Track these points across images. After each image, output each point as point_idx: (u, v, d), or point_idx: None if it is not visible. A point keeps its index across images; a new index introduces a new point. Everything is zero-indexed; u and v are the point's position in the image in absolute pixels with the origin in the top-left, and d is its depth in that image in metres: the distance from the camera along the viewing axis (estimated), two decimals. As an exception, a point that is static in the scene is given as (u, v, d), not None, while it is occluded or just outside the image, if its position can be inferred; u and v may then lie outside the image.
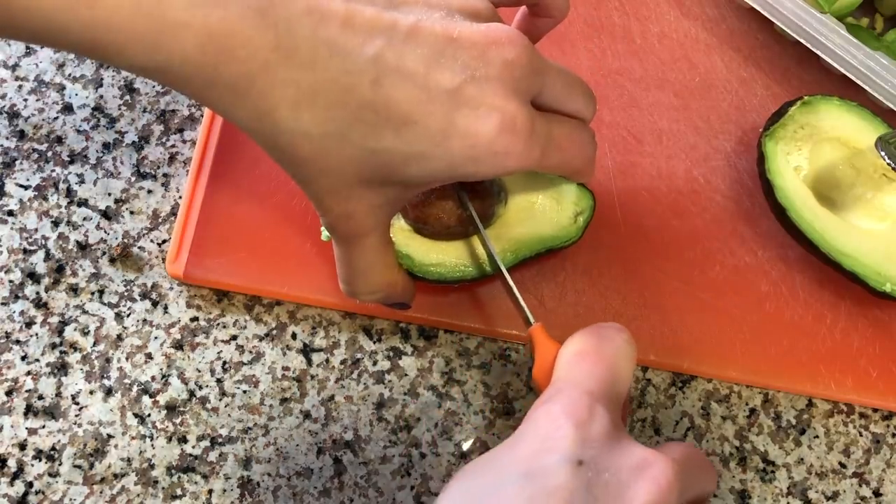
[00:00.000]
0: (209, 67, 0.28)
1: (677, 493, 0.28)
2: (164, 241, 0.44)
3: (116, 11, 0.27)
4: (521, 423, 0.31)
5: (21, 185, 0.44)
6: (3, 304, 0.42)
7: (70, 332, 0.42)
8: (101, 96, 0.47)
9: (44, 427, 0.41)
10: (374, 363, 0.43)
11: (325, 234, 0.41)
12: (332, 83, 0.29)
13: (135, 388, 0.42)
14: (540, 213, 0.42)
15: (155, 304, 0.43)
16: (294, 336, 0.43)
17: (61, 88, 0.46)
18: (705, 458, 0.33)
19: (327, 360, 0.43)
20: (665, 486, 0.28)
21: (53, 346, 0.42)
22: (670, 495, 0.28)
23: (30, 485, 0.40)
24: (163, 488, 0.40)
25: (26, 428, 0.41)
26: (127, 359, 0.42)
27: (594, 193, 0.43)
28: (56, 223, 0.44)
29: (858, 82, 0.46)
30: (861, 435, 0.45)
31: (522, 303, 0.38)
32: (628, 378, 0.33)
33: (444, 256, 0.41)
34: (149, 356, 0.42)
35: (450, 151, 0.31)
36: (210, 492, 0.40)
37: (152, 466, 0.41)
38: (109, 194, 0.45)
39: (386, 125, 0.30)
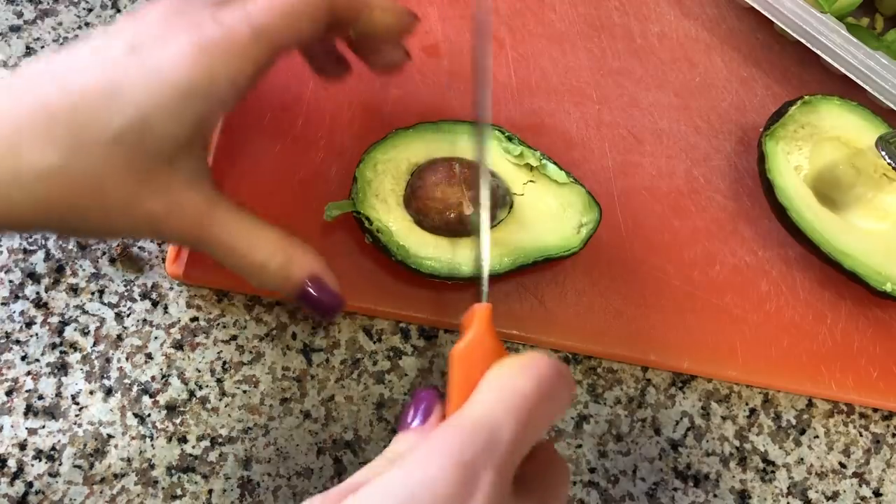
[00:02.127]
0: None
1: None
2: (164, 241, 0.44)
3: None
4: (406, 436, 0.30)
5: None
6: (3, 304, 0.42)
7: (70, 332, 0.42)
8: (101, 96, 0.47)
9: (44, 427, 0.41)
10: (374, 363, 0.43)
11: (329, 213, 0.41)
12: (29, 114, 0.30)
13: (135, 388, 0.42)
14: (543, 222, 0.42)
15: (155, 304, 0.43)
16: (294, 336, 0.43)
17: (61, 88, 0.46)
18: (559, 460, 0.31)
19: (327, 360, 0.43)
20: None
21: (53, 346, 0.42)
22: None
23: (30, 485, 0.40)
24: (163, 488, 0.40)
25: (26, 428, 0.41)
26: (127, 359, 0.42)
27: (601, 209, 0.43)
28: (56, 223, 0.44)
29: (858, 82, 0.46)
30: (861, 435, 0.45)
31: (484, 277, 0.35)
32: (547, 429, 0.31)
33: (440, 251, 0.41)
34: (149, 356, 0.42)
35: (173, 83, 0.30)
36: (210, 492, 0.40)
37: (152, 466, 0.41)
38: (109, 194, 0.45)
39: (99, 110, 0.30)
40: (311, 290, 0.34)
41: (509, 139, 0.43)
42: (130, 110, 0.30)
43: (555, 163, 0.43)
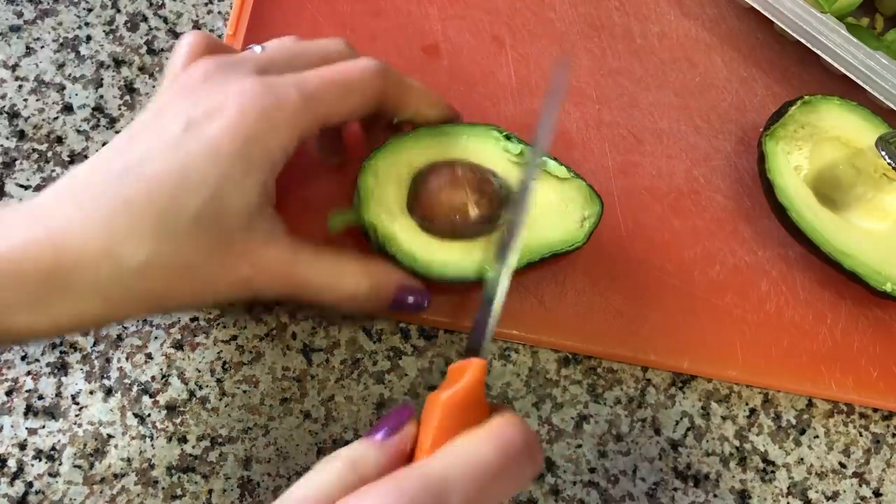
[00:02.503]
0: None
1: None
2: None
3: None
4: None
5: (21, 185, 0.44)
6: (3, 304, 0.42)
7: (70, 332, 0.42)
8: (101, 96, 0.47)
9: (44, 427, 0.41)
10: (374, 363, 0.43)
11: (332, 224, 0.41)
12: (110, 212, 0.31)
13: (135, 388, 0.42)
14: (546, 218, 0.42)
15: (155, 304, 0.43)
16: (294, 336, 0.43)
17: (61, 88, 0.46)
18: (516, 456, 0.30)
19: (327, 360, 0.43)
20: None
21: (53, 345, 0.42)
22: None
23: (30, 485, 0.40)
24: (163, 488, 0.40)
25: (26, 428, 0.41)
26: (127, 359, 0.42)
27: (602, 202, 0.43)
28: (56, 223, 0.44)
29: (858, 82, 0.46)
30: (861, 435, 0.45)
31: (489, 331, 0.34)
32: (507, 497, 0.30)
33: (447, 255, 0.41)
34: (149, 356, 0.42)
35: (231, 153, 0.32)
36: (210, 492, 0.40)
37: (152, 466, 0.41)
38: (109, 194, 0.45)
39: (175, 194, 0.31)
40: (401, 299, 0.38)
41: (507, 138, 0.42)
42: (203, 190, 0.32)
43: (554, 158, 0.43)
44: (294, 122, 0.33)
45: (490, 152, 0.42)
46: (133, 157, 0.32)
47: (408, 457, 0.30)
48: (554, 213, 0.42)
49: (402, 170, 0.41)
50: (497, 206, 0.41)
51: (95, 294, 0.31)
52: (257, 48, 0.38)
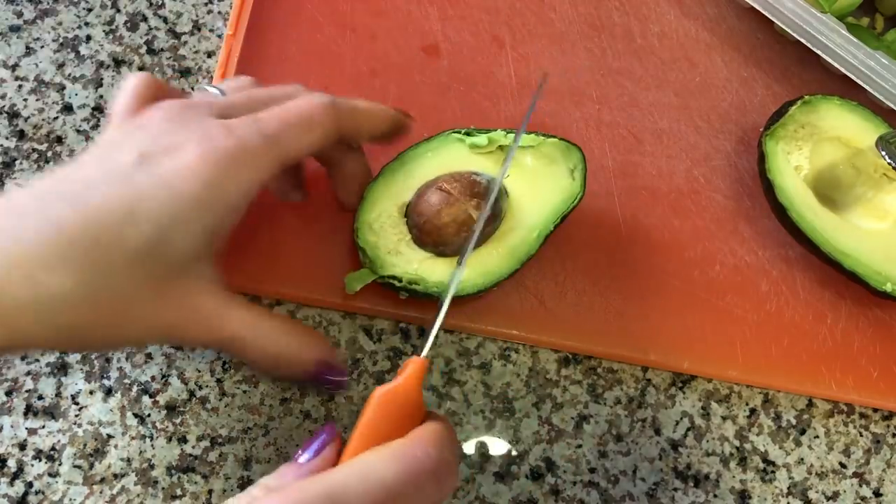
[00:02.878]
0: None
1: None
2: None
3: None
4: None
5: (21, 185, 0.44)
6: (3, 304, 0.42)
7: (70, 332, 0.42)
8: (101, 96, 0.47)
9: (44, 427, 0.41)
10: (374, 363, 0.43)
11: (350, 286, 0.41)
12: (38, 242, 0.29)
13: (135, 388, 0.42)
14: (539, 187, 0.42)
15: (155, 304, 0.43)
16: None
17: (61, 88, 0.46)
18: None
19: (327, 360, 0.43)
20: None
21: None
22: None
23: (30, 485, 0.40)
24: (163, 488, 0.40)
25: (26, 428, 0.41)
26: (127, 359, 0.42)
27: (581, 148, 0.43)
28: (56, 223, 0.44)
29: (859, 82, 0.46)
30: (861, 435, 0.45)
31: (433, 333, 0.34)
32: None
33: (470, 272, 0.41)
34: (149, 356, 0.42)
35: (186, 196, 0.31)
36: (210, 492, 0.40)
37: (152, 466, 0.40)
38: (109, 194, 0.45)
39: (115, 228, 0.30)
40: (319, 372, 0.36)
41: (468, 134, 0.43)
42: (147, 228, 0.30)
43: (524, 131, 0.43)
44: (257, 166, 0.32)
45: (459, 155, 0.42)
46: (75, 185, 0.31)
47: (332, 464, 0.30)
48: (544, 178, 0.43)
49: (391, 211, 0.41)
50: (496, 201, 0.41)
51: (3, 321, 0.29)
52: (212, 89, 0.37)
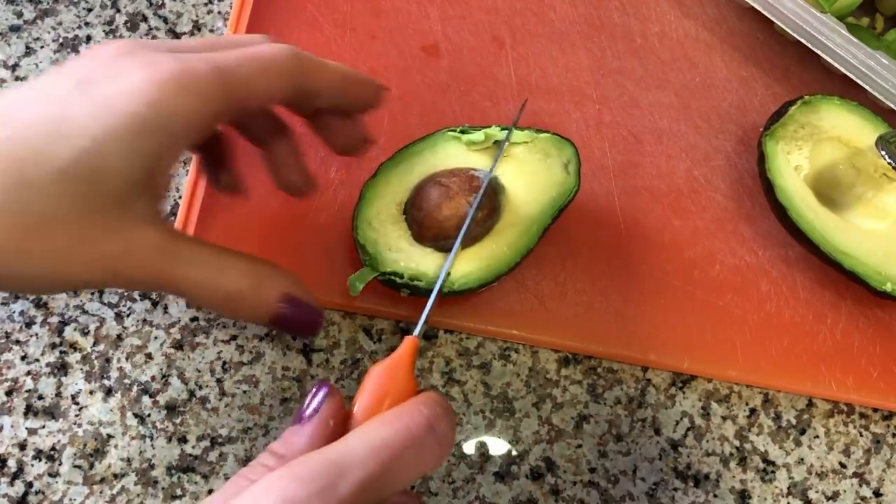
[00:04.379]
0: None
1: None
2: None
3: None
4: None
5: None
6: (3, 304, 0.42)
7: (70, 332, 0.42)
8: (101, 96, 0.47)
9: (44, 427, 0.41)
10: (374, 363, 0.43)
11: (354, 287, 0.40)
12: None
13: (135, 388, 0.42)
14: (535, 182, 0.43)
15: (155, 303, 0.43)
16: (294, 336, 0.43)
17: (61, 88, 0.46)
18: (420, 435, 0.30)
19: (327, 360, 0.43)
20: None
21: (53, 345, 0.42)
22: None
23: (30, 485, 0.40)
24: (163, 488, 0.40)
25: (26, 428, 0.41)
26: (127, 359, 0.42)
27: (574, 143, 0.44)
28: (56, 223, 0.44)
29: (859, 82, 0.46)
30: (861, 435, 0.45)
31: (426, 311, 0.34)
32: (416, 478, 0.30)
33: (470, 265, 0.41)
34: (149, 356, 0.42)
35: (125, 119, 0.28)
36: (210, 492, 0.40)
37: (152, 466, 0.40)
38: (109, 194, 0.45)
39: (42, 148, 0.28)
40: (285, 310, 0.33)
41: (464, 132, 0.43)
42: (79, 142, 0.27)
43: (515, 127, 0.43)
44: (205, 94, 0.30)
45: (455, 153, 0.42)
46: (5, 103, 0.29)
47: (335, 433, 0.30)
48: (539, 174, 0.43)
49: (391, 208, 0.41)
50: (493, 196, 0.41)
51: None
52: None
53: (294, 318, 0.33)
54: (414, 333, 0.33)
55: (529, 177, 0.43)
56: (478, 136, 0.42)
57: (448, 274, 0.38)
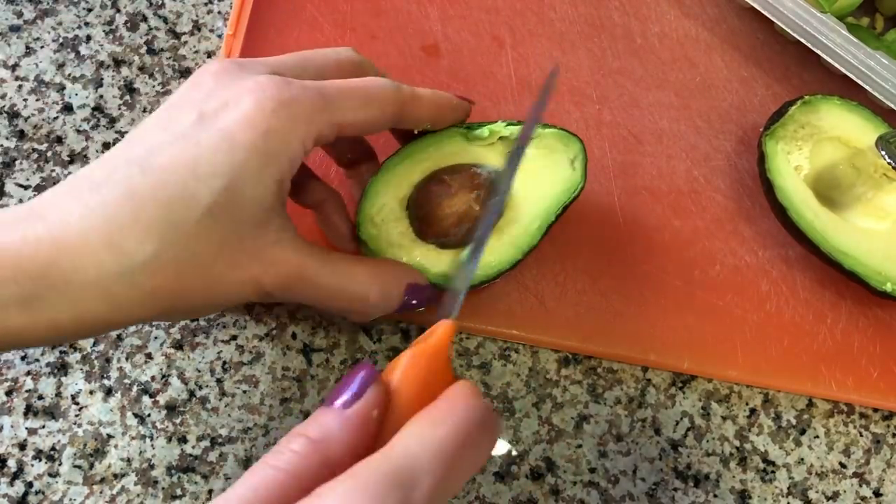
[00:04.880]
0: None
1: None
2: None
3: None
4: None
5: (21, 185, 0.44)
6: (3, 304, 0.42)
7: (70, 332, 0.42)
8: (101, 96, 0.47)
9: (44, 427, 0.41)
10: (374, 363, 0.43)
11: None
12: (114, 206, 0.30)
13: (135, 388, 0.42)
14: (540, 178, 0.42)
15: (155, 304, 0.43)
16: (294, 336, 0.43)
17: (61, 88, 0.46)
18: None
19: (327, 360, 0.43)
20: None
21: (53, 345, 0.42)
22: None
23: (30, 485, 0.40)
24: (163, 488, 0.40)
25: (26, 428, 0.41)
26: (127, 359, 0.42)
27: (581, 139, 0.43)
28: (56, 223, 0.44)
29: (859, 82, 0.46)
30: (861, 435, 0.45)
31: (462, 292, 0.33)
32: (471, 474, 0.29)
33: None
34: (149, 356, 0.42)
35: (246, 146, 0.31)
36: (210, 492, 0.40)
37: (152, 466, 0.41)
38: (109, 194, 0.45)
39: (185, 185, 0.30)
40: (408, 299, 0.37)
41: (469, 128, 0.42)
42: (215, 181, 0.30)
43: (519, 122, 0.43)
44: (312, 119, 0.32)
45: (459, 149, 0.42)
46: (139, 150, 0.31)
47: (375, 425, 0.28)
48: (544, 169, 0.42)
49: (393, 205, 0.41)
50: (504, 191, 0.41)
51: (97, 291, 0.29)
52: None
53: (417, 302, 0.38)
54: (452, 316, 0.32)
55: (534, 173, 0.43)
56: (483, 131, 0.42)
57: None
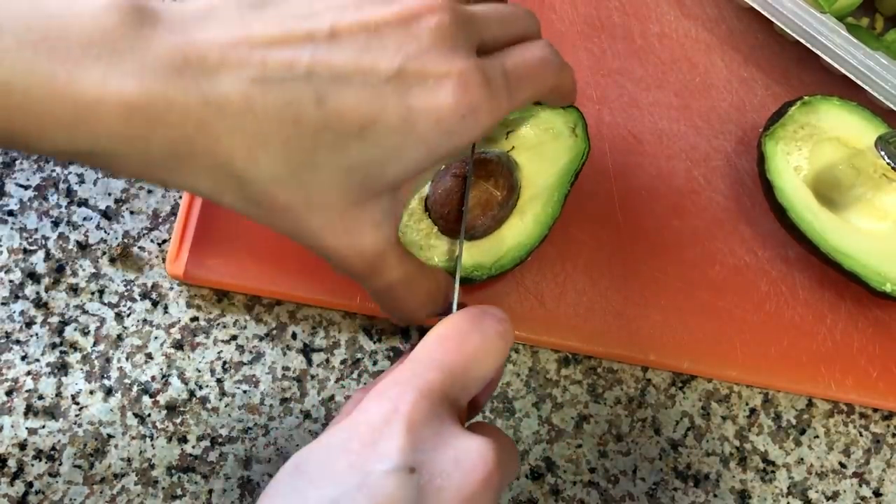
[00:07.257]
0: (139, 140, 0.27)
1: (500, 477, 0.28)
2: (164, 241, 0.44)
3: (28, 96, 0.25)
4: (367, 398, 0.30)
5: (21, 185, 0.44)
6: (3, 304, 0.42)
7: (70, 332, 0.42)
8: (102, 96, 0.46)
9: (44, 427, 0.41)
10: (374, 363, 0.43)
11: None
12: (276, 119, 0.29)
13: (135, 388, 0.42)
14: (545, 152, 0.43)
15: (155, 303, 0.43)
16: (294, 336, 0.43)
17: (61, 88, 0.46)
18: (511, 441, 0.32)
19: (327, 360, 0.43)
20: (487, 475, 0.28)
21: (53, 346, 0.42)
22: (492, 482, 0.28)
23: (30, 485, 0.40)
24: (163, 488, 0.40)
25: (26, 428, 0.41)
26: (127, 359, 0.42)
27: (580, 111, 0.43)
28: (56, 223, 0.44)
29: (858, 82, 0.46)
30: (861, 435, 0.45)
31: (456, 291, 0.36)
32: (489, 370, 0.31)
33: (500, 247, 0.41)
34: (149, 356, 0.42)
35: (420, 135, 0.30)
36: (210, 492, 0.40)
37: (152, 466, 0.41)
38: (109, 194, 0.45)
39: (348, 137, 0.30)
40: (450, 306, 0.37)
41: None
42: (374, 152, 0.30)
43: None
44: (488, 126, 0.32)
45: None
46: (327, 72, 0.29)
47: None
48: (548, 143, 0.43)
49: (414, 207, 0.41)
50: (510, 175, 0.41)
51: (223, 173, 0.29)
52: None
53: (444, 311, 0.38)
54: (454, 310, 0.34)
55: (539, 149, 0.43)
56: None
57: (459, 257, 0.38)
